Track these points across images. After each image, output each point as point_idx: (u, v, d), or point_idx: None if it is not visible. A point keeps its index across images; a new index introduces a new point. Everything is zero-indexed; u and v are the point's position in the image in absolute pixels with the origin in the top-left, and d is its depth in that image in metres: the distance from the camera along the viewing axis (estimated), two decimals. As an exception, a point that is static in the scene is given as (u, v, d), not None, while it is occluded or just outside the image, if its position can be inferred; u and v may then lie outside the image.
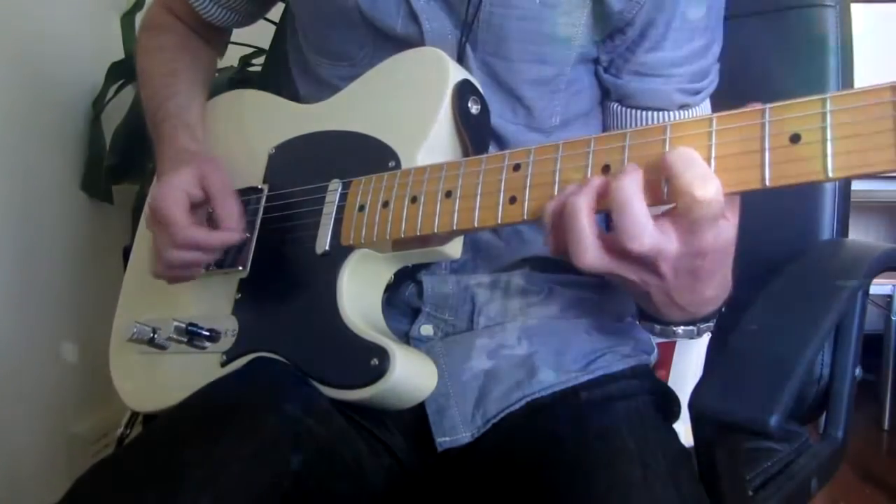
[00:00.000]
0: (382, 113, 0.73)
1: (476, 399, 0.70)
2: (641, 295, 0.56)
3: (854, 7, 0.94)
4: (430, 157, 0.67)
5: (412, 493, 0.71)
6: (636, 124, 0.75)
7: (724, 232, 0.50)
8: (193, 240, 0.71)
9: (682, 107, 0.74)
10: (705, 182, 0.46)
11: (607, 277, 0.53)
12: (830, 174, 0.44)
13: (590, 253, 0.51)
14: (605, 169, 0.52)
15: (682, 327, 0.59)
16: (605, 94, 0.78)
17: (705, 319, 0.58)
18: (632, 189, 0.48)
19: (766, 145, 0.46)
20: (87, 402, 1.45)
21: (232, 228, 0.73)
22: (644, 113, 0.74)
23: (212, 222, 0.74)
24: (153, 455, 0.58)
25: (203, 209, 0.75)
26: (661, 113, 0.74)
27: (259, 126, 0.85)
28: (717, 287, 0.56)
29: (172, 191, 0.72)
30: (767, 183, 0.46)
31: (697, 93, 0.74)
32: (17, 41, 1.31)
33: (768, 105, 0.47)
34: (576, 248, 0.51)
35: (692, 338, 0.59)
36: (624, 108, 0.75)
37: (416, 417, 0.70)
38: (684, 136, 0.49)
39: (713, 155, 0.48)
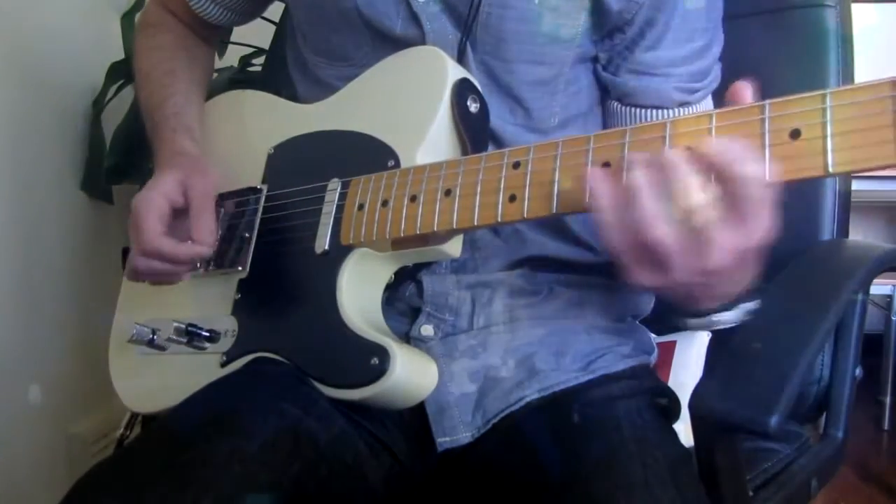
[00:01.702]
0: (381, 112, 0.73)
1: (476, 399, 0.70)
2: (686, 294, 0.53)
3: (854, 7, 0.94)
4: (429, 156, 0.66)
5: (412, 493, 0.71)
6: (636, 122, 0.75)
7: (772, 217, 0.47)
8: (159, 249, 0.71)
9: (682, 105, 0.74)
10: (749, 162, 0.45)
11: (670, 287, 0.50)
12: (831, 169, 0.44)
13: (662, 226, 0.47)
14: (605, 166, 0.52)
15: (725, 313, 0.58)
16: (605, 93, 0.78)
17: (739, 300, 0.57)
18: (678, 153, 0.46)
19: (767, 141, 0.46)
20: (87, 402, 1.45)
21: (201, 242, 0.72)
22: (643, 111, 0.74)
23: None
24: (154, 456, 0.58)
25: (185, 217, 0.74)
26: (660, 111, 0.74)
27: (258, 126, 0.85)
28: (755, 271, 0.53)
29: (152, 196, 0.72)
30: (767, 178, 0.46)
31: (696, 91, 0.74)
32: (17, 41, 1.31)
33: (768, 101, 0.47)
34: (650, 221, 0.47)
35: (735, 323, 0.58)
36: (623, 107, 0.75)
37: (417, 418, 0.70)
38: (684, 133, 0.49)
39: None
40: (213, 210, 0.74)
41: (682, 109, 0.74)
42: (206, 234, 0.73)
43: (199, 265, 0.78)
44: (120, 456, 0.64)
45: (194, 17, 0.91)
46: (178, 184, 0.73)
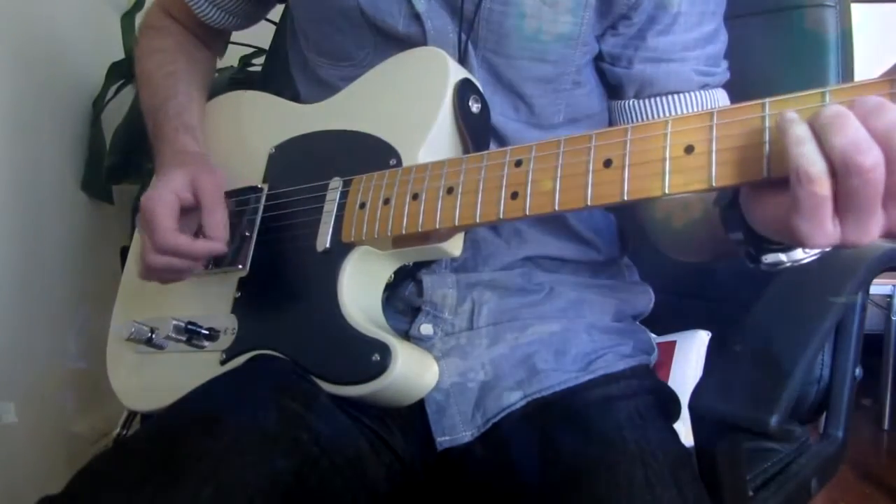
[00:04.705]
0: (383, 112, 0.73)
1: (476, 398, 0.70)
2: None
3: (854, 7, 0.94)
4: (430, 156, 0.67)
5: (413, 491, 0.71)
6: (659, 115, 0.74)
7: None
8: (174, 246, 0.71)
9: (703, 87, 0.74)
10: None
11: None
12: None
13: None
14: (607, 163, 0.52)
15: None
16: (616, 93, 0.77)
17: None
18: (838, 106, 0.43)
19: (767, 138, 0.46)
20: (87, 402, 1.45)
21: (216, 238, 0.73)
22: (665, 99, 0.74)
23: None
24: (154, 448, 0.58)
25: (195, 214, 0.75)
26: (682, 96, 0.73)
27: (259, 126, 0.85)
28: None
29: (163, 193, 0.72)
30: (769, 174, 0.46)
31: (714, 75, 0.74)
32: (17, 41, 1.31)
33: (768, 99, 0.47)
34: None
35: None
36: (641, 101, 0.75)
37: (417, 416, 0.70)
38: (685, 130, 0.49)
39: (714, 149, 0.48)
40: (224, 206, 0.74)
41: (703, 93, 0.74)
42: (219, 229, 0.73)
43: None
44: (119, 449, 0.64)
45: (196, 21, 0.91)
46: (186, 181, 0.73)
